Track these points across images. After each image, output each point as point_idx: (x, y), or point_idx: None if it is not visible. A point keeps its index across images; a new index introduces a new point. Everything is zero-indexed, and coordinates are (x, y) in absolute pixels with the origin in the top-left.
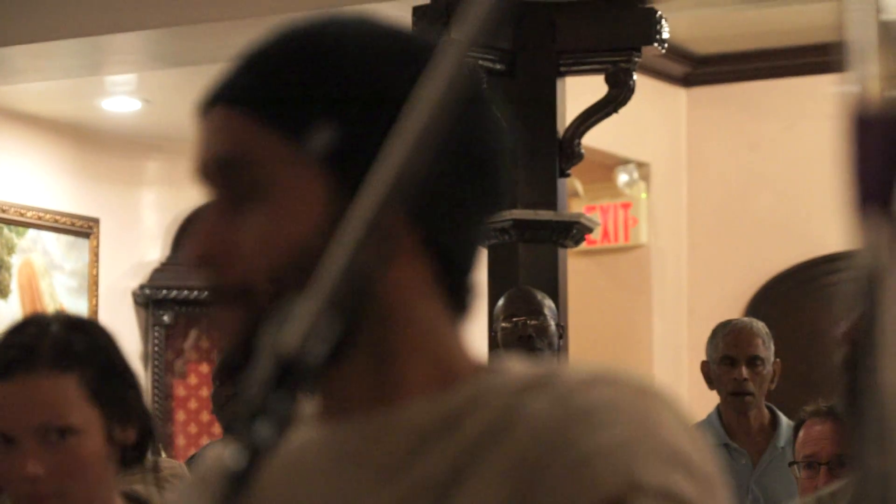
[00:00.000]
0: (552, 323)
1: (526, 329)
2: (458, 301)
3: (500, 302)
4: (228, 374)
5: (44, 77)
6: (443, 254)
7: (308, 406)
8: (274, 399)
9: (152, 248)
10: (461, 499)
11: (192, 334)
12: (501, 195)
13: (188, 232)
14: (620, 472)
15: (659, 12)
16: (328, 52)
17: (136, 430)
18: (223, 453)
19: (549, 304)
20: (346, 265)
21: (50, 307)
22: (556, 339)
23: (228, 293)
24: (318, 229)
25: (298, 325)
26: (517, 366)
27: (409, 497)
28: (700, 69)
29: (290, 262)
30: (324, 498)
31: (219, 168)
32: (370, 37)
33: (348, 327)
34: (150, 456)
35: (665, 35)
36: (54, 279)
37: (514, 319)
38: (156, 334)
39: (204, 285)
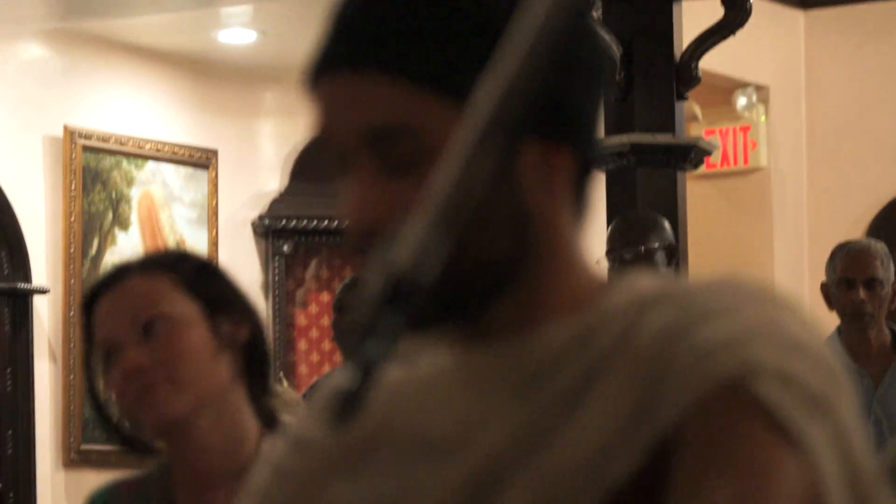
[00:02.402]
0: (655, 248)
1: (623, 260)
2: (582, 220)
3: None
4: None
5: (160, 10)
6: (580, 172)
7: (441, 333)
8: (385, 318)
9: (271, 179)
10: (589, 407)
11: (313, 263)
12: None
13: (343, 204)
14: (739, 355)
15: None
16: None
17: (247, 327)
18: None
19: (660, 228)
20: (456, 183)
21: (170, 239)
22: (661, 266)
23: None
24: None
25: (410, 244)
26: (641, 281)
27: (540, 414)
28: None
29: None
30: (456, 418)
31: (374, 138)
32: None
33: (505, 255)
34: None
35: None
36: (174, 211)
37: (612, 251)
38: (276, 264)
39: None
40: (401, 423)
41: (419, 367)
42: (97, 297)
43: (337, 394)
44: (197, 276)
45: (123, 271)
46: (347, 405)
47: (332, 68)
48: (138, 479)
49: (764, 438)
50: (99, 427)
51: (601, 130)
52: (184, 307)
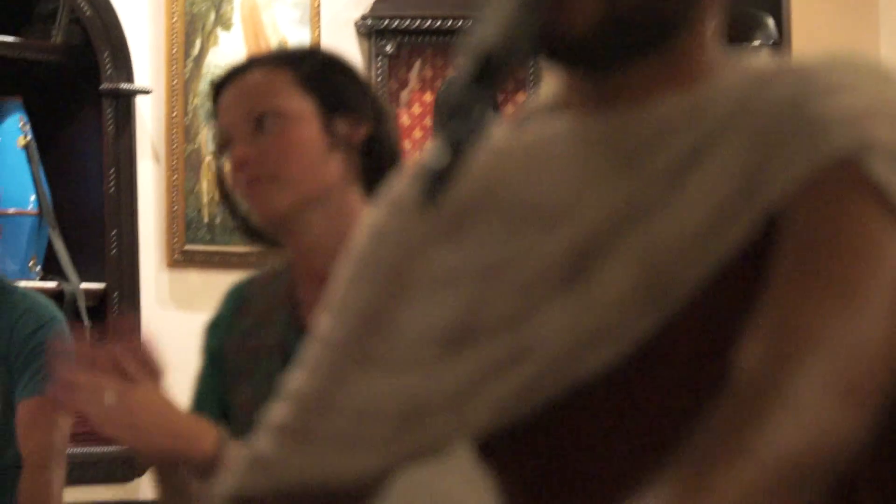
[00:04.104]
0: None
1: None
2: None
3: None
4: None
5: None
6: None
7: (553, 98)
8: (474, 96)
9: None
10: (699, 179)
11: (416, 64)
12: None
13: None
14: (854, 131)
15: None
16: None
17: (367, 126)
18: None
19: (764, 25)
20: None
21: (272, 39)
22: None
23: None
24: None
25: (498, 23)
26: (759, 60)
27: (649, 184)
28: None
29: None
30: (564, 183)
31: None
32: None
33: (662, 14)
34: None
35: None
36: (276, 10)
37: None
38: (379, 65)
39: None
40: (506, 190)
41: (527, 134)
42: (222, 87)
43: (426, 172)
44: (319, 72)
45: (249, 64)
46: (436, 183)
47: None
48: (269, 274)
49: (873, 217)
50: (225, 214)
51: None
52: (298, 103)
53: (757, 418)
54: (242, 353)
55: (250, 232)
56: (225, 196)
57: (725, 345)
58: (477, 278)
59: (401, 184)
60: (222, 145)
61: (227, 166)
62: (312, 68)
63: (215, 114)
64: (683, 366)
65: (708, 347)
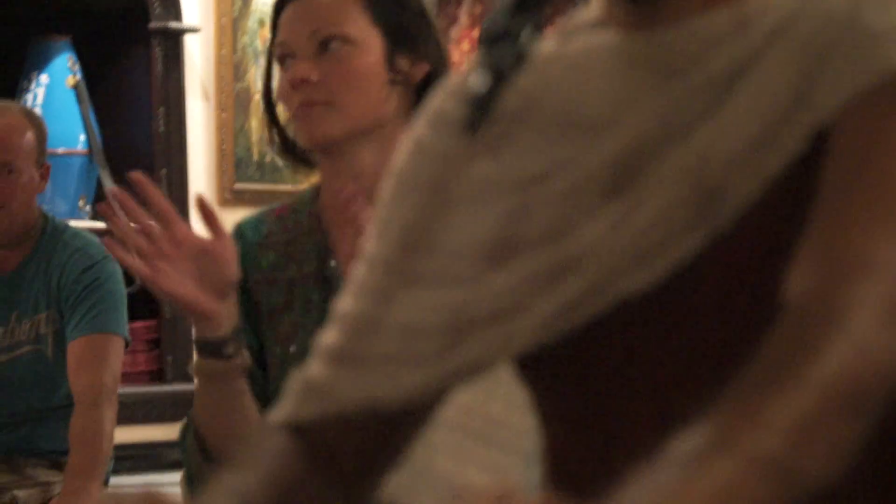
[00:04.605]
0: None
1: None
2: None
3: None
4: None
5: None
6: None
7: (596, 15)
8: (518, 22)
9: None
10: (747, 88)
11: (466, 0)
12: None
13: None
14: None
15: None
16: None
17: (427, 66)
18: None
19: None
20: None
21: None
22: None
23: None
24: None
25: None
26: None
27: (694, 95)
28: None
29: None
30: (608, 94)
31: None
32: None
33: None
34: None
35: None
36: None
37: None
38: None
39: None
40: (548, 101)
41: (571, 47)
42: (287, 1)
43: (468, 97)
44: (390, 4)
45: None
46: (478, 109)
47: None
48: (288, 204)
49: None
50: (268, 133)
51: None
52: (365, 33)
53: (811, 344)
54: (275, 287)
55: (287, 147)
56: (269, 106)
57: (773, 263)
58: (518, 190)
59: (441, 99)
60: (279, 57)
61: (278, 78)
62: (384, 0)
63: (275, 23)
64: (729, 284)
65: (755, 265)
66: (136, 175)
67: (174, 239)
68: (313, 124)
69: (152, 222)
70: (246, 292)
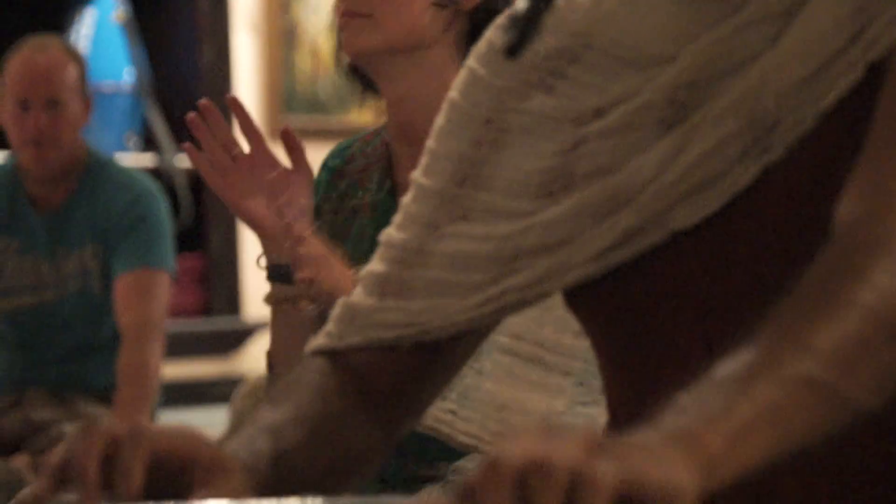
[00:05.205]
0: None
1: None
2: None
3: None
4: None
5: None
6: None
7: None
8: None
9: None
10: (803, 21)
11: None
12: None
13: None
14: None
15: None
16: None
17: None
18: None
19: None
20: None
21: None
22: None
23: None
24: None
25: None
26: None
27: (748, 27)
28: None
29: None
30: (662, 27)
31: None
32: None
33: None
34: None
35: None
36: None
37: None
38: None
39: None
40: (601, 34)
41: None
42: None
43: (509, 19)
44: None
45: None
46: (518, 31)
47: None
48: (371, 134)
49: None
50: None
51: None
52: None
53: (857, 270)
54: (340, 214)
55: (348, 68)
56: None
57: (825, 194)
58: (574, 125)
59: (493, 31)
60: None
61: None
62: None
63: None
64: (782, 215)
65: (807, 196)
66: (205, 103)
67: (254, 159)
68: (352, 34)
69: (234, 139)
70: (320, 219)
